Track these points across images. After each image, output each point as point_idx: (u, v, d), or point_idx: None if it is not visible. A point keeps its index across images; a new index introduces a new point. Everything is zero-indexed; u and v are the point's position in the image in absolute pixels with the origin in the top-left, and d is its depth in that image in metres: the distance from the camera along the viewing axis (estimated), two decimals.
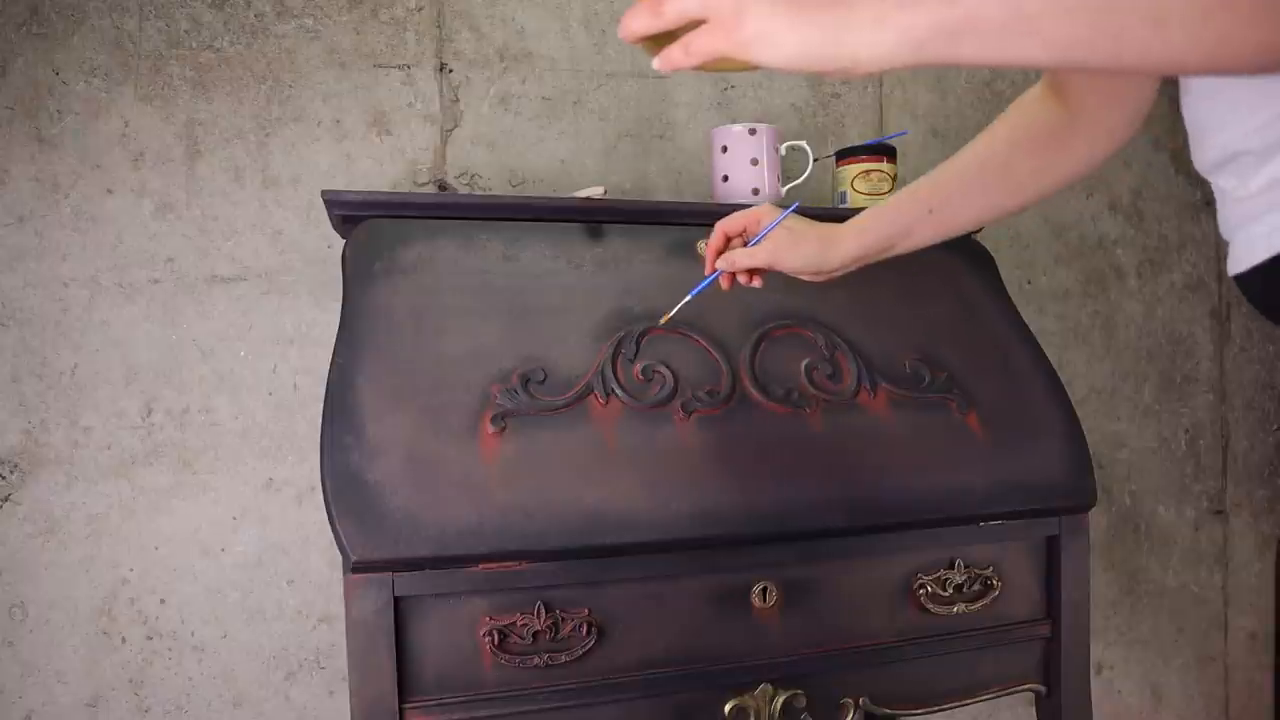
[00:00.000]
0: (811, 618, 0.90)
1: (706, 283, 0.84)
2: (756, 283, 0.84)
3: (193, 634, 1.18)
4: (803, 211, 0.96)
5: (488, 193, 1.28)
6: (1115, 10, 0.42)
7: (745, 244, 0.83)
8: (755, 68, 0.51)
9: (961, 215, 0.78)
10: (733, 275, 0.83)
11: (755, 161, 1.12)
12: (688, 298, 0.84)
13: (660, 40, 0.53)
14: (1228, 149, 0.53)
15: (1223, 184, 0.56)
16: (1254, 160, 0.51)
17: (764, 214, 0.82)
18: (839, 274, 0.82)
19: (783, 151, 1.15)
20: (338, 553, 0.79)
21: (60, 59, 1.13)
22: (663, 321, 0.87)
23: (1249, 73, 0.44)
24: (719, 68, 0.53)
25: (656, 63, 0.53)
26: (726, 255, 0.82)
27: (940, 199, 0.77)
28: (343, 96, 1.23)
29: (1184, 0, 0.41)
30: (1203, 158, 0.57)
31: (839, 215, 1.11)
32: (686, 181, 1.38)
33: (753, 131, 1.12)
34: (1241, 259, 0.55)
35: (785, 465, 0.89)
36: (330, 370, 0.84)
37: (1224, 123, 0.53)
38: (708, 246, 0.84)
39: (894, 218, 0.79)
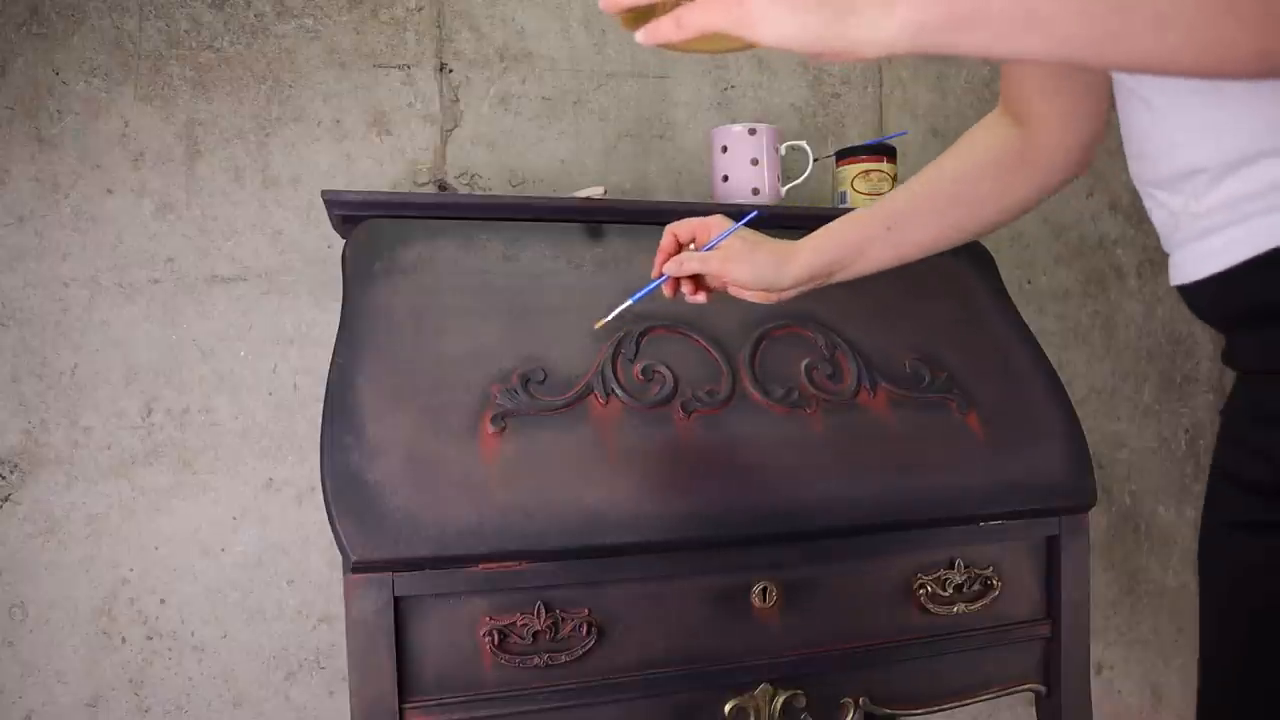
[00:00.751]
0: (811, 618, 0.90)
1: (651, 287, 0.81)
2: (701, 298, 0.81)
3: (193, 634, 1.18)
4: (802, 215, 0.96)
5: (488, 193, 1.28)
6: (1121, 9, 0.41)
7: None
8: (747, 47, 0.49)
9: (919, 236, 0.75)
10: (676, 284, 0.80)
11: (755, 161, 1.12)
12: (628, 301, 0.81)
13: (644, 15, 0.50)
14: (1186, 166, 0.53)
15: (1170, 198, 0.55)
16: (1208, 178, 0.51)
17: (715, 223, 0.79)
18: (789, 294, 0.78)
19: (783, 151, 1.15)
20: (338, 553, 0.79)
21: (60, 59, 1.13)
22: (598, 326, 0.83)
23: (1245, 78, 0.44)
24: (707, 47, 0.50)
25: (641, 35, 0.50)
26: (676, 258, 0.79)
27: (898, 218, 0.75)
28: (343, 96, 1.23)
29: (1190, 3, 0.40)
30: (1153, 172, 0.57)
31: (838, 215, 1.11)
32: (686, 181, 1.38)
33: (753, 131, 1.12)
34: (1190, 271, 0.55)
35: (785, 465, 0.89)
36: (330, 370, 0.84)
37: (1190, 141, 0.52)
38: (660, 247, 0.80)
39: (850, 236, 0.76)
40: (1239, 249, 0.50)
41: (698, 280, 0.80)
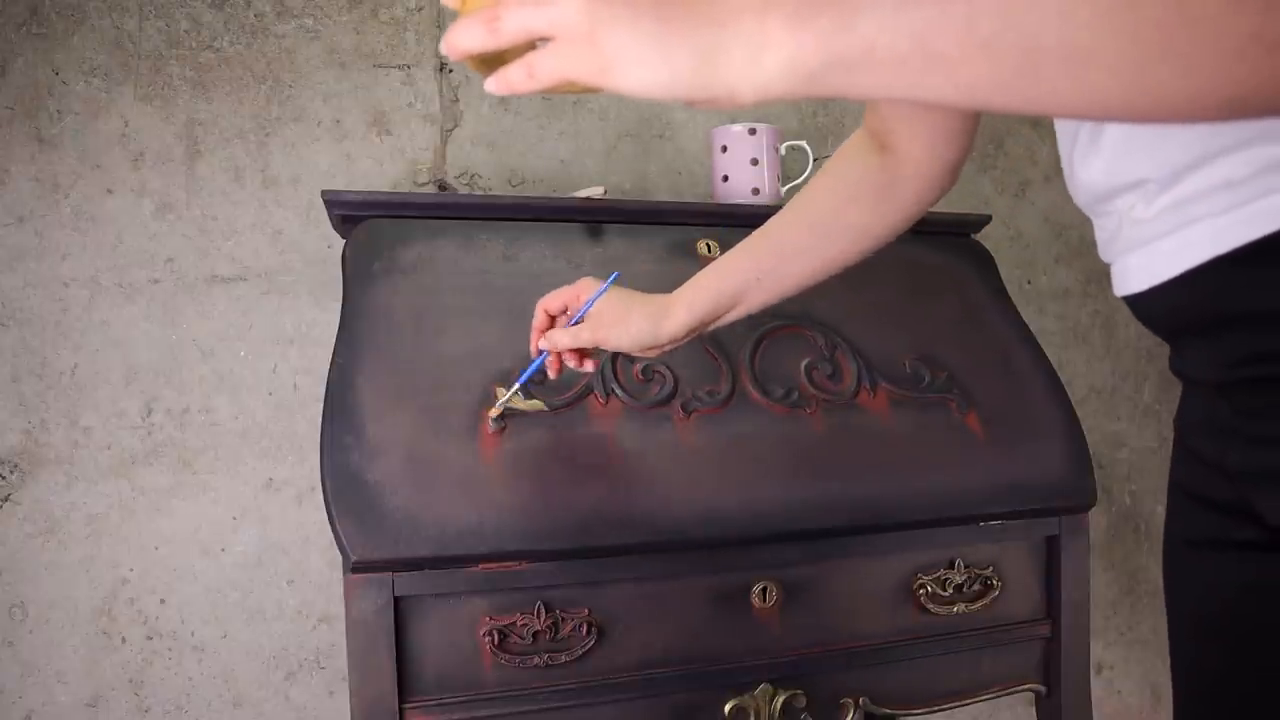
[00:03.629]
0: (811, 618, 0.90)
1: (533, 367, 0.79)
2: (588, 366, 0.79)
3: (193, 634, 1.18)
4: None
5: (488, 193, 1.28)
6: (1029, 47, 0.36)
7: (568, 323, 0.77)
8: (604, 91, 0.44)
9: (793, 278, 0.73)
10: (559, 359, 0.79)
11: (755, 161, 1.12)
12: (515, 385, 0.80)
13: (494, 60, 0.45)
14: (1132, 175, 0.50)
15: (1118, 207, 0.53)
16: (1156, 186, 0.49)
17: (584, 288, 0.76)
18: (669, 349, 0.76)
19: (783, 151, 1.15)
20: (338, 553, 0.79)
21: (60, 59, 1.13)
22: (493, 415, 0.81)
23: (1172, 122, 0.41)
24: (566, 90, 0.45)
25: (491, 84, 0.44)
26: (548, 335, 0.77)
27: (773, 263, 0.73)
28: (343, 96, 1.23)
29: (1116, 46, 0.35)
30: (1093, 191, 0.54)
31: None
32: (686, 181, 1.38)
33: (753, 131, 1.12)
34: (1137, 279, 0.52)
35: (785, 465, 0.89)
36: (330, 370, 0.84)
37: (1134, 149, 0.50)
38: (533, 326, 0.78)
39: (725, 286, 0.73)
40: (1191, 253, 0.47)
41: (580, 350, 0.78)
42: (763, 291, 0.73)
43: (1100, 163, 0.52)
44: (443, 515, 0.78)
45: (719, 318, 0.75)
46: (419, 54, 1.26)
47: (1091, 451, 1.01)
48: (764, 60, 0.40)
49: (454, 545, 0.77)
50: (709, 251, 1.00)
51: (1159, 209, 0.49)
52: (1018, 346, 1.06)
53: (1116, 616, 1.64)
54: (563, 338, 0.76)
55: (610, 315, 0.75)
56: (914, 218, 0.71)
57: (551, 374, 0.81)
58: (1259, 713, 0.49)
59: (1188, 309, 0.50)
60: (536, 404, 0.85)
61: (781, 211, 0.74)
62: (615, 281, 0.77)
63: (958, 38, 0.37)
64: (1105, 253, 0.56)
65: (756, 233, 0.74)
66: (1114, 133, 0.51)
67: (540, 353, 0.79)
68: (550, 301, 0.78)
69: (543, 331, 0.78)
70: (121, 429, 1.15)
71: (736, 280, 0.73)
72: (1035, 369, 1.04)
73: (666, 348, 0.76)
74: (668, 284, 0.93)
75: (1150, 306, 0.53)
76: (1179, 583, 0.57)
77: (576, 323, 0.76)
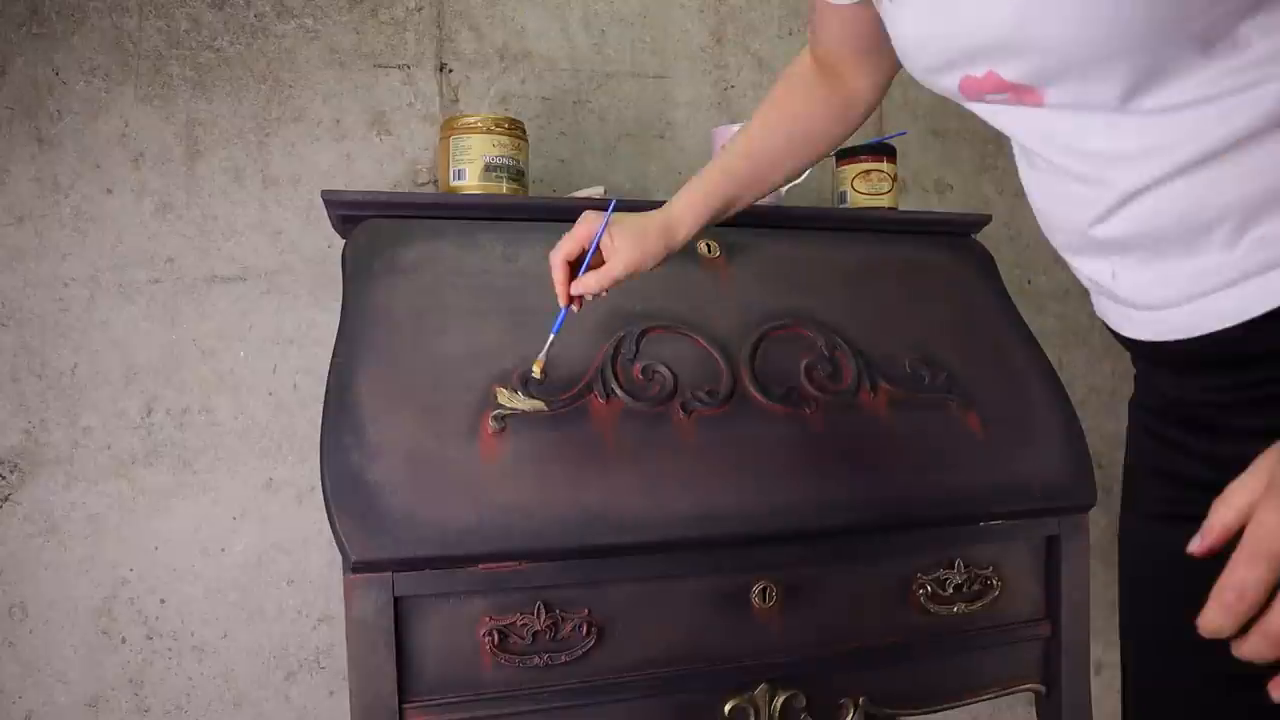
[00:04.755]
0: (811, 618, 0.90)
1: (562, 317, 0.82)
2: (604, 294, 0.82)
3: (193, 634, 1.18)
4: (802, 215, 0.95)
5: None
6: None
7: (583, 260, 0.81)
8: None
9: (772, 184, 0.86)
10: (581, 297, 0.82)
11: None
12: (550, 337, 0.83)
13: None
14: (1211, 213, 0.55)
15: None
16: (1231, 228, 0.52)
17: (588, 225, 0.80)
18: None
19: None
20: (338, 553, 0.79)
21: (60, 59, 1.13)
22: (537, 371, 0.84)
23: None
24: None
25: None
26: (580, 282, 0.80)
27: (754, 174, 0.84)
28: (343, 96, 1.23)
29: None
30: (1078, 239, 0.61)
31: (838, 215, 1.11)
32: (686, 181, 1.37)
33: None
34: (1183, 325, 0.55)
35: (785, 465, 0.89)
36: (330, 370, 0.84)
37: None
38: (556, 281, 0.81)
39: (717, 194, 0.83)
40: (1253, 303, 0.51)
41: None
42: (750, 195, 0.86)
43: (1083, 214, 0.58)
44: (443, 515, 0.78)
45: (720, 217, 0.85)
46: (419, 54, 1.26)
47: (1091, 451, 1.01)
48: None
49: (454, 545, 0.77)
50: (709, 252, 1.00)
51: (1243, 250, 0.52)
52: (1018, 347, 1.06)
53: (1116, 616, 1.64)
54: (593, 281, 0.80)
55: (628, 245, 0.79)
56: (853, 128, 0.86)
57: (575, 308, 0.83)
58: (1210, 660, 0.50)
59: (1215, 352, 0.54)
60: (537, 404, 0.85)
61: (750, 130, 0.85)
62: (615, 210, 0.81)
63: None
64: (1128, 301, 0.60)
65: (733, 150, 0.84)
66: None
67: (569, 304, 0.82)
68: (567, 251, 0.80)
69: (567, 284, 0.81)
70: (121, 429, 1.15)
71: (727, 190, 0.84)
72: (1035, 369, 1.04)
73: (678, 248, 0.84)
74: (668, 283, 0.94)
75: (1173, 352, 0.57)
76: (1137, 552, 0.63)
77: (591, 259, 0.80)
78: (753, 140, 0.85)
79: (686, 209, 0.83)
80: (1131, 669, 0.68)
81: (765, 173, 0.85)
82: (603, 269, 0.79)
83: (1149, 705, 0.67)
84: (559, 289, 0.81)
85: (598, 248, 0.80)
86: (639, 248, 0.79)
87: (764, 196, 0.88)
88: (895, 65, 0.77)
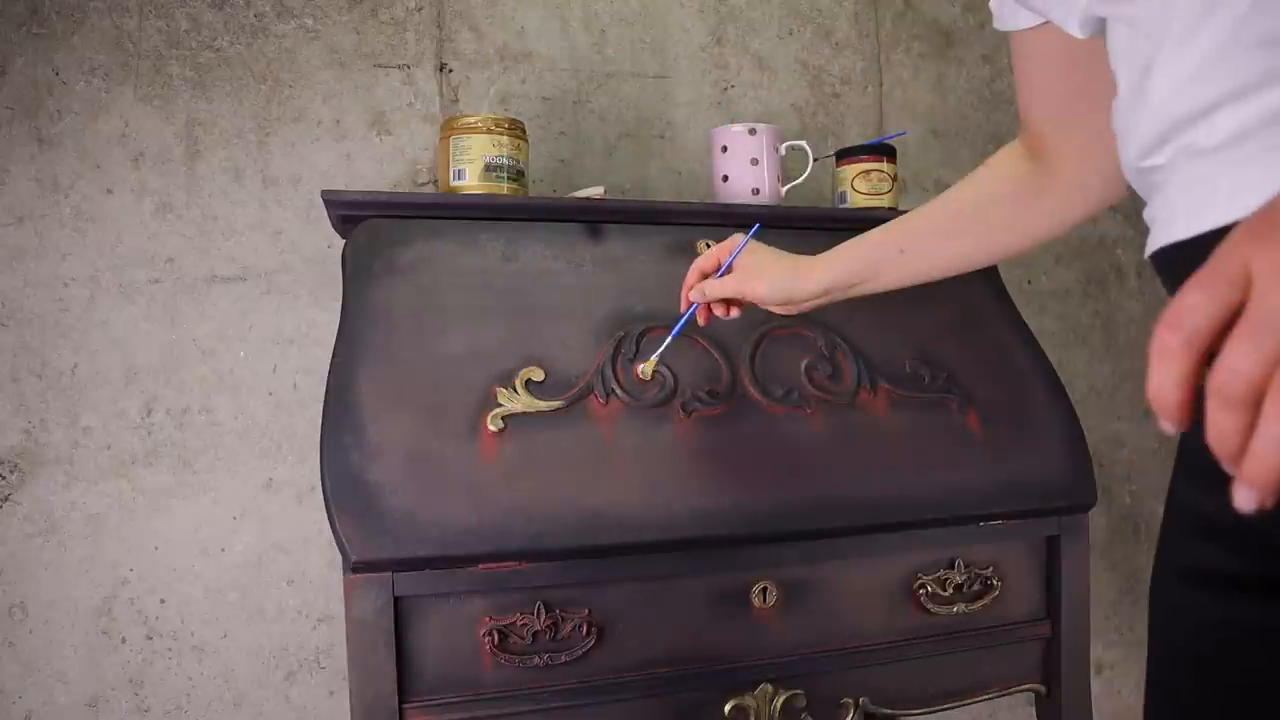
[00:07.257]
0: (811, 618, 0.90)
1: (685, 318, 0.85)
2: (734, 313, 0.84)
3: (193, 634, 1.18)
4: (802, 215, 0.95)
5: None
6: None
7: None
8: None
9: (931, 260, 0.76)
10: (708, 309, 0.84)
11: (755, 161, 1.12)
12: (669, 338, 0.86)
13: None
14: (1192, 106, 0.45)
15: (1164, 150, 0.47)
16: (1224, 111, 0.43)
17: (732, 241, 0.83)
18: (808, 307, 0.81)
19: (783, 151, 1.14)
20: (338, 553, 0.79)
21: (60, 59, 1.13)
22: (649, 370, 0.88)
23: None
24: None
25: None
26: (698, 287, 0.83)
27: (911, 241, 0.76)
28: (343, 96, 1.23)
29: None
30: (1154, 126, 0.48)
31: (838, 215, 1.11)
32: (686, 181, 1.38)
33: (753, 131, 1.12)
34: (1181, 227, 0.46)
35: (785, 465, 0.89)
36: (330, 370, 0.84)
37: (1199, 75, 0.44)
38: (686, 283, 0.84)
39: (865, 254, 0.78)
40: (1248, 196, 0.41)
41: (727, 300, 0.83)
42: (897, 270, 0.77)
43: (1158, 97, 0.47)
44: (443, 515, 0.78)
45: (856, 285, 0.79)
46: (419, 54, 1.26)
47: (1091, 451, 1.01)
48: None
49: (454, 545, 0.77)
50: None
51: (1221, 139, 0.44)
52: (1018, 347, 1.06)
53: (1116, 616, 1.64)
54: (712, 288, 0.82)
55: (753, 268, 0.80)
56: (1053, 231, 0.72)
57: (701, 321, 0.85)
58: None
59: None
60: (536, 404, 0.85)
61: (938, 196, 0.77)
62: (757, 234, 0.83)
63: None
64: (1150, 208, 0.51)
65: (900, 217, 0.78)
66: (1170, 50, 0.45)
67: (690, 304, 0.84)
68: (705, 263, 0.83)
69: (692, 286, 0.84)
70: (121, 429, 1.15)
71: (876, 252, 0.77)
72: (1035, 369, 1.04)
73: (805, 306, 0.80)
74: (668, 284, 0.94)
75: (1184, 263, 0.44)
76: (1168, 613, 0.54)
77: (724, 273, 0.82)
78: (927, 204, 0.76)
79: (822, 260, 0.79)
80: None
81: (924, 239, 0.75)
82: (721, 279, 0.81)
83: None
84: (683, 292, 0.84)
85: (730, 266, 0.81)
86: (760, 274, 0.79)
87: (915, 279, 0.79)
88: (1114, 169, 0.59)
